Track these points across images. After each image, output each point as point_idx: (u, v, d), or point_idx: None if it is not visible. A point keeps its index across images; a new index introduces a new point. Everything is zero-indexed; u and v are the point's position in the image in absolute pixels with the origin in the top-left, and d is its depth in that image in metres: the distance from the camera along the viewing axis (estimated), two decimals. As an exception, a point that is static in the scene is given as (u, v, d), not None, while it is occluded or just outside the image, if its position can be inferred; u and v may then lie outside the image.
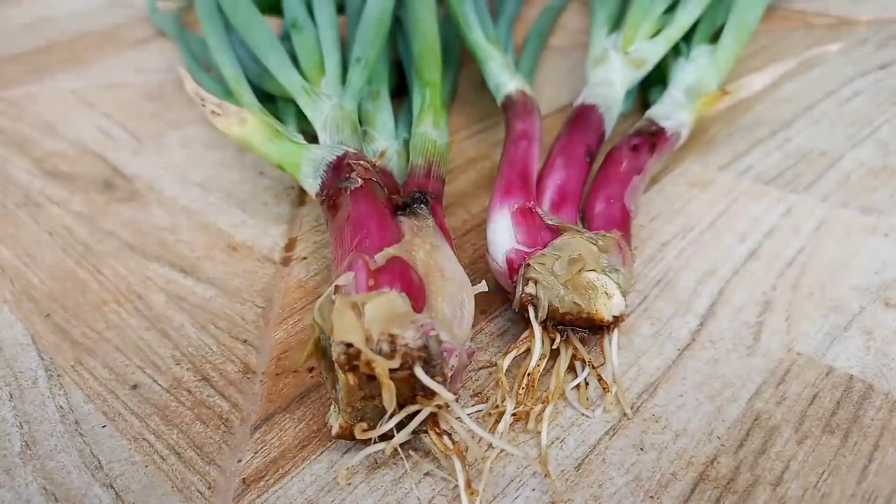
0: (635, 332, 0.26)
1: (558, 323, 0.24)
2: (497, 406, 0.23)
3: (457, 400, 0.21)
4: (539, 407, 0.23)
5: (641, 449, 0.22)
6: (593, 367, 0.24)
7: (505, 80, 0.34)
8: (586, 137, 0.30)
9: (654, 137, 0.31)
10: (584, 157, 0.29)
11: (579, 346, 0.24)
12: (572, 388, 0.24)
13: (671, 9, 0.38)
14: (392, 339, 0.20)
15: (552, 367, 0.24)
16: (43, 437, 0.23)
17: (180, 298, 0.29)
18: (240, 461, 0.22)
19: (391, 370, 0.19)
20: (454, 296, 0.22)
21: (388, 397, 0.19)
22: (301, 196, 0.36)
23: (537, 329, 0.24)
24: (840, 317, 0.26)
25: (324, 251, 0.32)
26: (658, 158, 0.32)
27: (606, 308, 0.23)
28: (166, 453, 0.23)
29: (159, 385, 0.25)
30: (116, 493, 0.21)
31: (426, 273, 0.22)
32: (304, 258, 0.32)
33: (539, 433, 0.22)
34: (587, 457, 0.22)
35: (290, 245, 0.33)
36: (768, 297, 0.27)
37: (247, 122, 0.31)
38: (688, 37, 0.38)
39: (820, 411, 0.22)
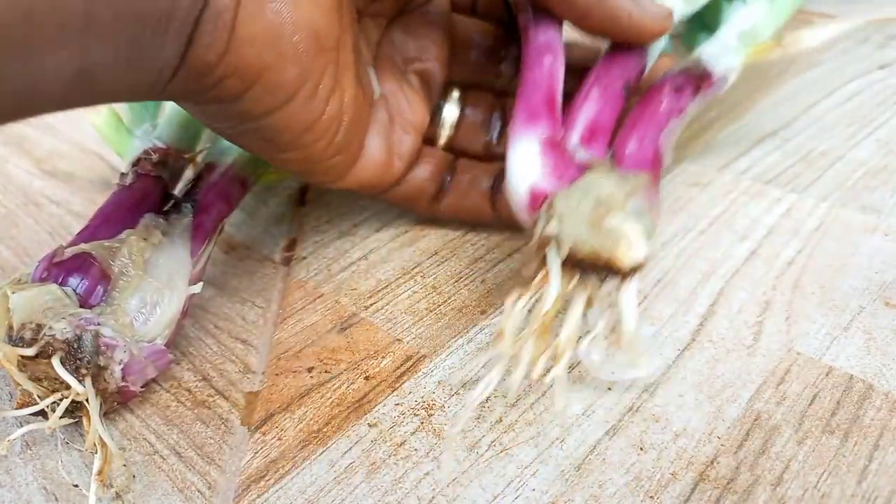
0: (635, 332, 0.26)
1: (576, 266, 0.22)
2: (514, 355, 0.21)
3: (101, 395, 0.22)
4: (552, 352, 0.22)
5: (641, 449, 0.22)
6: (609, 313, 0.22)
7: None
8: (626, 71, 0.28)
9: (700, 80, 0.29)
10: (621, 91, 0.27)
11: (596, 290, 0.22)
12: (587, 342, 0.22)
13: None
14: (37, 329, 0.21)
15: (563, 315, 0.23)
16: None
17: (180, 298, 0.29)
18: (240, 461, 0.22)
19: (31, 357, 0.21)
20: (149, 294, 0.24)
21: (15, 379, 0.21)
22: (301, 196, 0.36)
23: (556, 268, 0.22)
24: (840, 317, 0.26)
25: (324, 251, 0.32)
26: (700, 101, 0.30)
27: (628, 254, 0.22)
28: (166, 453, 0.23)
29: (159, 385, 0.25)
30: (116, 493, 0.21)
31: (125, 270, 0.24)
32: (304, 258, 0.32)
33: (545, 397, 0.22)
34: (587, 457, 0.22)
35: (290, 245, 0.33)
36: (768, 297, 0.27)
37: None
38: None
39: (820, 411, 0.22)
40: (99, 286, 0.23)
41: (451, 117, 0.32)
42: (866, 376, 0.24)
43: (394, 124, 0.29)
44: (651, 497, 0.20)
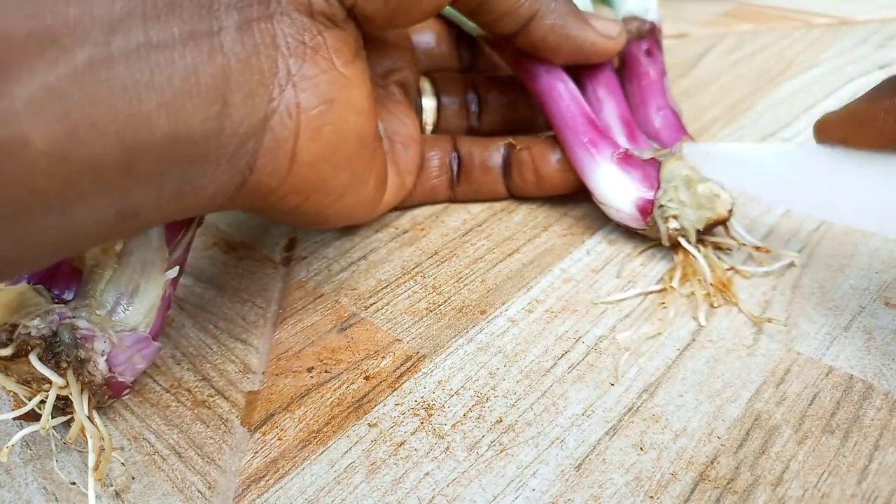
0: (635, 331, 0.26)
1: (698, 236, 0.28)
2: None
3: (84, 384, 0.22)
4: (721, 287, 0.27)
5: (641, 449, 0.22)
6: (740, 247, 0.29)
7: None
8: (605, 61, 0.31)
9: (654, 34, 0.32)
10: (615, 77, 0.30)
11: (716, 237, 0.28)
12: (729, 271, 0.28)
13: None
14: (11, 329, 0.21)
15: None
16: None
17: (180, 299, 0.29)
18: (240, 461, 0.22)
19: (11, 359, 0.21)
20: (124, 284, 0.23)
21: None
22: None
23: (698, 254, 0.27)
24: (840, 317, 0.26)
25: (324, 251, 0.32)
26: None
27: (724, 206, 0.27)
28: (166, 453, 0.23)
29: (159, 385, 0.25)
30: (116, 493, 0.22)
31: (97, 263, 0.24)
32: (304, 258, 0.32)
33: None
34: (587, 457, 0.22)
35: (290, 245, 0.33)
36: (768, 297, 0.27)
37: None
38: None
39: (820, 411, 0.22)
40: (71, 281, 0.23)
41: (430, 108, 0.34)
42: (866, 376, 0.24)
43: (395, 145, 0.30)
44: (651, 497, 0.20)
